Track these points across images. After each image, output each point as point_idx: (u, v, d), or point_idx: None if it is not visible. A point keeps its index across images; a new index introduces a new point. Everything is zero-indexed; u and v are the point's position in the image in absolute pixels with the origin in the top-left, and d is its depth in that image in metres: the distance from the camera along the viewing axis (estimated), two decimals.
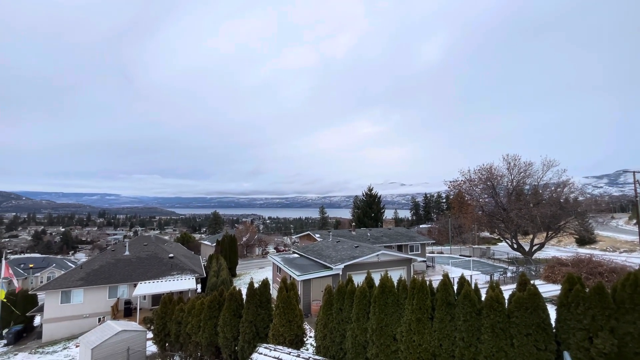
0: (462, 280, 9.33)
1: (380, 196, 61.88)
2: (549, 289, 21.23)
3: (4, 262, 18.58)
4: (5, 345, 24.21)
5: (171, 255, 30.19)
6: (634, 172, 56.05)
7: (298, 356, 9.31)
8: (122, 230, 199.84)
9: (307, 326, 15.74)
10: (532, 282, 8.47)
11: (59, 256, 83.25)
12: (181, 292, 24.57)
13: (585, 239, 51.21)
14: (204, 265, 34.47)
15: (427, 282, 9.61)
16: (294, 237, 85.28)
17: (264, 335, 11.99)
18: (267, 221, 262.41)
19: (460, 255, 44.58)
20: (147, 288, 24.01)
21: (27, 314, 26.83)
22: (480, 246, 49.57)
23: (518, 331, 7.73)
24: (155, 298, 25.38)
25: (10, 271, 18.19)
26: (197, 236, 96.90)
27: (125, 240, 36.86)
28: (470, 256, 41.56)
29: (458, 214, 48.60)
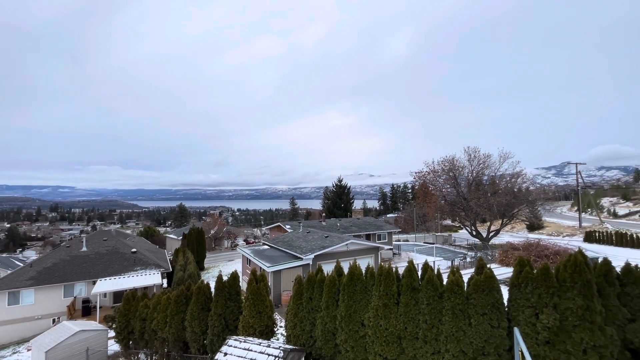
0: (426, 266, 9.83)
1: (349, 187, 62.92)
2: (503, 272, 22.97)
3: None
4: None
5: (134, 250, 28.80)
6: (576, 164, 61.46)
7: (268, 346, 9.37)
8: (79, 225, 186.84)
9: (277, 316, 15.83)
10: (488, 266, 9.13)
11: (4, 254, 76.19)
12: (146, 288, 23.58)
13: (535, 225, 55.84)
14: (169, 259, 33.30)
15: (394, 269, 10.02)
16: (264, 228, 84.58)
17: (233, 328, 11.91)
18: (237, 213, 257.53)
19: (424, 243, 46.78)
20: (107, 285, 22.79)
21: None
22: (442, 234, 52.28)
23: (475, 311, 8.33)
24: (118, 295, 24.18)
25: None
26: (162, 230, 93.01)
27: (82, 235, 34.57)
28: (433, 243, 43.75)
29: (422, 203, 50.75)
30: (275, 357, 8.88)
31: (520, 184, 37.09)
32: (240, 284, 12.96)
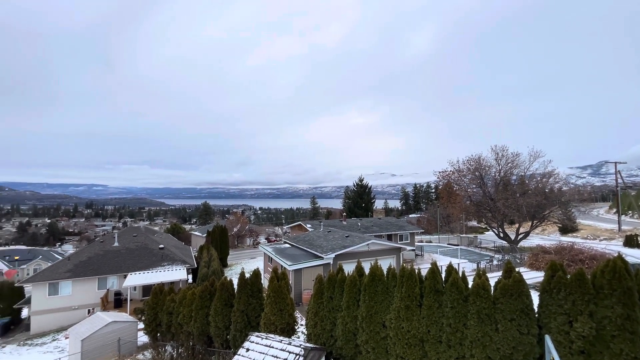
0: (450, 268, 9.56)
1: (370, 186, 62.34)
2: (532, 276, 21.93)
3: None
4: None
5: (161, 246, 29.97)
6: (615, 162, 57.73)
7: (289, 344, 9.46)
8: (111, 221, 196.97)
9: (298, 315, 15.96)
10: (517, 269, 8.74)
11: (45, 248, 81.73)
12: (172, 283, 24.50)
13: (568, 228, 52.87)
14: (194, 256, 34.37)
15: (416, 271, 9.82)
16: (285, 227, 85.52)
17: (255, 324, 12.12)
18: (258, 212, 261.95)
19: (448, 244, 45.55)
20: (137, 279, 23.87)
21: (14, 307, 26.41)
22: (467, 235, 50.68)
23: (503, 316, 8.01)
24: (146, 289, 25.27)
25: (2, 265, 17.81)
26: (187, 227, 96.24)
27: (114, 231, 36.39)
28: (458, 245, 42.51)
29: (446, 203, 49.37)
30: (296, 355, 8.95)
31: (552, 184, 35.27)
32: (262, 281, 13.17)
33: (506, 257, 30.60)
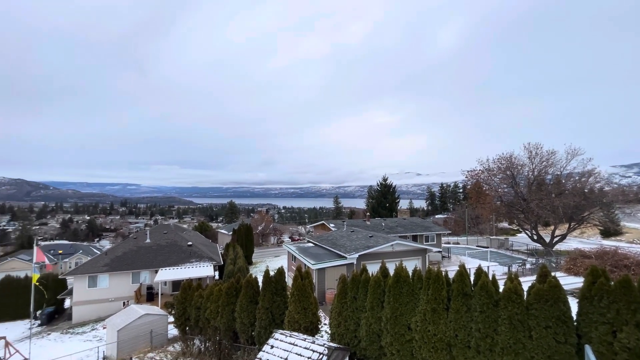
0: (479, 271, 9.20)
1: (395, 186, 61.32)
2: (570, 282, 20.68)
3: (35, 248, 19.64)
4: (39, 325, 25.82)
5: (190, 243, 31.08)
6: None
7: (313, 342, 9.48)
8: (143, 218, 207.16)
9: (321, 314, 15.99)
10: (552, 274, 8.26)
11: (85, 243, 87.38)
12: (200, 279, 25.36)
13: (611, 231, 49.27)
14: (221, 253, 35.35)
15: (443, 273, 9.53)
16: (308, 226, 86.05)
17: (279, 322, 12.27)
18: (282, 211, 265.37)
19: (477, 246, 43.89)
20: (167, 274, 24.91)
21: (58, 297, 28.44)
22: (498, 237, 48.60)
23: (537, 323, 7.60)
24: (176, 284, 26.32)
25: (47, 260, 19.25)
26: (214, 225, 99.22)
27: (146, 228, 38.18)
28: (487, 247, 40.86)
29: (475, 204, 47.56)
30: (320, 354, 8.95)
31: (593, 184, 33.04)
32: (286, 279, 13.31)
33: (540, 261, 29.03)
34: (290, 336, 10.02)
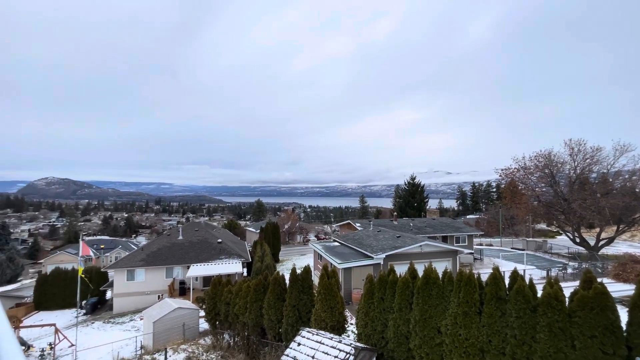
0: (515, 274, 8.73)
1: (423, 185, 59.75)
2: (619, 289, 19.12)
3: (81, 242, 21.11)
4: (84, 314, 27.79)
5: (220, 240, 32.08)
6: None
7: (340, 342, 9.44)
8: (176, 216, 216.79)
9: (348, 313, 15.90)
10: (598, 280, 7.65)
11: (123, 239, 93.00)
12: (229, 275, 26.12)
13: None
14: (249, 250, 36.20)
15: (475, 275, 9.14)
16: (334, 225, 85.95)
17: (306, 320, 12.34)
18: (308, 209, 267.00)
19: (512, 249, 41.74)
20: (198, 270, 25.88)
21: (100, 289, 30.47)
22: (535, 239, 45.91)
23: (581, 332, 7.08)
24: (206, 279, 27.29)
25: (91, 254, 20.71)
26: (242, 223, 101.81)
27: (179, 225, 39.95)
28: (523, 249, 38.75)
29: (510, 204, 45.17)
30: (347, 353, 8.90)
31: None
32: (312, 278, 13.36)
33: (584, 266, 27.09)
34: (317, 334, 10.05)
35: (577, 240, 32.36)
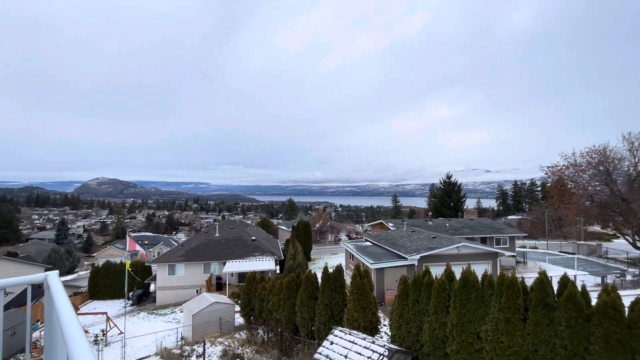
0: (565, 280, 8.07)
1: (460, 184, 57.27)
2: None
3: (128, 238, 22.67)
4: (131, 305, 29.87)
5: (253, 237, 32.98)
6: None
7: (373, 342, 9.29)
8: (212, 214, 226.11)
9: (380, 314, 15.63)
10: None
11: (165, 235, 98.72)
12: (262, 272, 26.77)
13: None
14: (281, 248, 36.85)
15: (519, 279, 8.57)
16: (366, 225, 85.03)
17: (338, 319, 12.30)
18: (339, 209, 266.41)
19: (559, 252, 38.74)
20: (234, 266, 26.79)
21: (145, 282, 32.60)
22: (587, 243, 42.22)
23: None
24: (241, 275, 28.17)
25: (138, 247, 22.23)
26: (274, 221, 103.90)
27: (215, 223, 41.61)
28: (573, 253, 35.81)
29: (558, 204, 41.83)
30: (380, 354, 8.73)
31: None
32: (344, 277, 13.29)
33: None
34: (349, 334, 9.98)
35: (638, 244, 29.26)
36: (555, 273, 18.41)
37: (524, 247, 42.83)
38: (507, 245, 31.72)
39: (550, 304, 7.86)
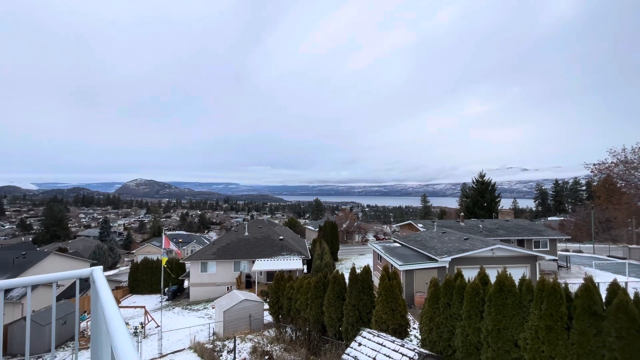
0: (615, 287, 7.44)
1: (494, 183, 54.64)
2: None
3: (164, 236, 23.85)
4: (167, 300, 31.39)
5: (281, 237, 33.47)
6: None
7: (402, 346, 9.09)
8: (242, 214, 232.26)
9: (410, 317, 15.27)
10: None
11: (197, 234, 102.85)
12: (290, 271, 27.07)
13: None
14: (308, 248, 37.09)
15: (561, 285, 8.02)
16: (394, 225, 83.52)
17: (366, 320, 12.16)
18: (366, 209, 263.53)
19: (608, 257, 35.82)
20: (262, 265, 27.33)
21: (179, 278, 34.10)
22: None
23: None
24: (269, 274, 28.68)
25: (172, 244, 23.33)
26: (301, 221, 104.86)
27: (244, 223, 42.68)
28: (624, 258, 32.97)
29: (606, 204, 38.73)
30: (410, 358, 8.52)
31: None
32: (372, 278, 13.11)
33: None
34: (378, 336, 9.83)
35: None
36: (603, 279, 17.04)
37: (566, 250, 40.05)
38: (548, 249, 29.81)
39: (597, 312, 7.28)
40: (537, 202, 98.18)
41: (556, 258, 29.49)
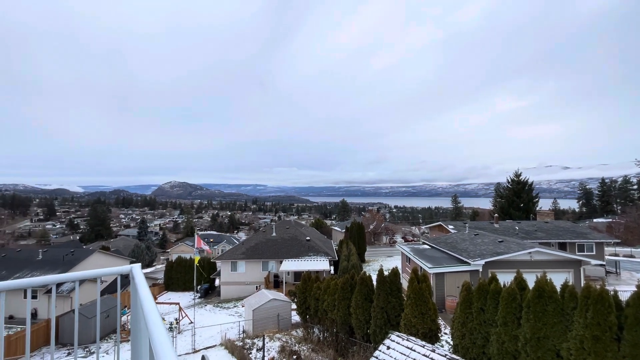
0: None
1: (532, 183, 51.66)
2: None
3: (196, 236, 24.83)
4: (199, 297, 32.62)
5: (308, 238, 33.68)
6: None
7: (433, 351, 8.81)
8: (269, 215, 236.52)
9: (441, 322, 14.78)
10: None
11: (227, 234, 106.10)
12: (317, 272, 27.14)
13: None
14: (335, 249, 37.03)
15: (610, 292, 7.41)
16: (423, 227, 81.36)
17: (395, 323, 11.92)
18: (393, 210, 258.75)
19: None
20: (290, 265, 27.65)
21: (210, 276, 35.30)
22: None
23: None
24: (297, 274, 28.95)
25: (203, 244, 24.26)
26: (328, 222, 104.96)
27: (272, 223, 43.42)
28: None
29: None
30: None
31: None
32: (400, 281, 12.84)
33: None
34: (407, 340, 9.60)
35: None
36: None
37: (615, 255, 37.01)
38: (593, 253, 27.69)
39: None
40: (580, 202, 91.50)
41: (603, 263, 27.34)
